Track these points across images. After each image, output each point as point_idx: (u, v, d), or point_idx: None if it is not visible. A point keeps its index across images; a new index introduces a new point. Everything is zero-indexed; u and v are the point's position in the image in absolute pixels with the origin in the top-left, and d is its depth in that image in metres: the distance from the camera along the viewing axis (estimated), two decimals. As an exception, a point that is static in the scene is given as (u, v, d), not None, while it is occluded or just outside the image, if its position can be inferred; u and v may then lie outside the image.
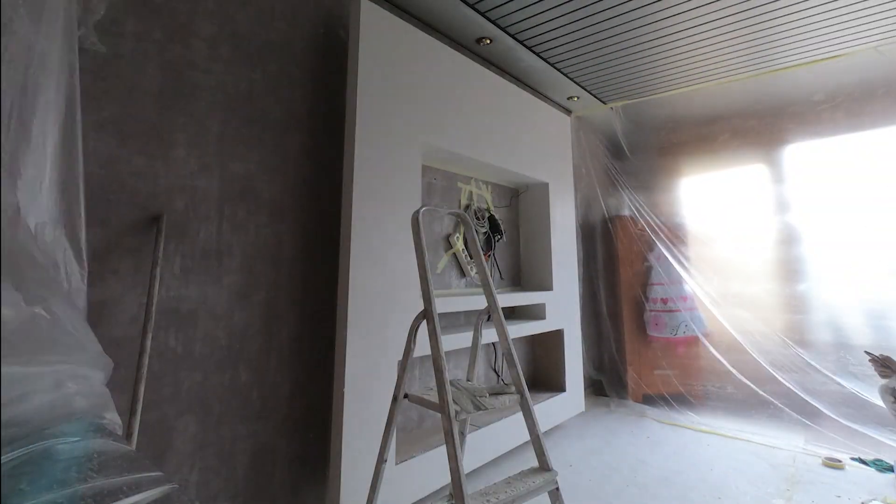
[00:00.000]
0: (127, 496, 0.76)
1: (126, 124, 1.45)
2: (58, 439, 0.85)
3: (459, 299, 2.44)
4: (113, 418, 1.01)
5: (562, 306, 3.18)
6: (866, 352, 2.54)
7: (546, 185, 3.19)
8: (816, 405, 2.85)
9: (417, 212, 1.59)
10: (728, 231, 3.57)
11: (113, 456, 0.88)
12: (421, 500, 2.03)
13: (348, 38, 2.01)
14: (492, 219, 2.99)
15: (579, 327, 3.41)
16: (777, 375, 2.98)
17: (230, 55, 1.73)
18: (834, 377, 2.88)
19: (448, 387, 1.39)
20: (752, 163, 3.68)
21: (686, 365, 3.58)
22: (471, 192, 2.90)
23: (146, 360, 1.32)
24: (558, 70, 3.15)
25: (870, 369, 2.82)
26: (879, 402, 2.61)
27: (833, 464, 2.48)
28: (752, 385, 3.07)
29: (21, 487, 0.72)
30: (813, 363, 2.95)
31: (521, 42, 2.76)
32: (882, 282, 2.99)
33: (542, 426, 1.93)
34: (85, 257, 1.15)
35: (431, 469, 2.11)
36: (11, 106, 0.92)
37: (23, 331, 0.89)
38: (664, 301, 3.66)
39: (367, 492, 1.62)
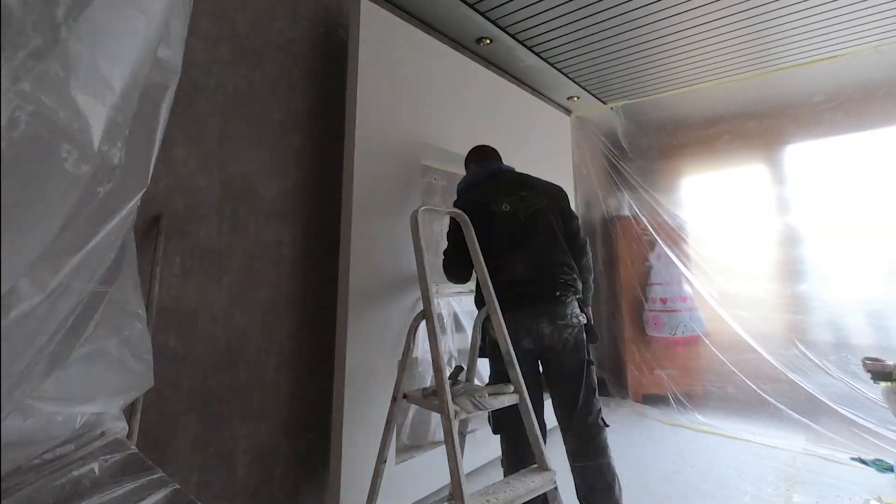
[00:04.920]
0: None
1: (126, 124, 1.45)
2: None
3: (460, 298, 2.44)
4: (116, 424, 1.01)
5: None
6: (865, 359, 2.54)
7: (546, 185, 3.19)
8: (817, 405, 2.85)
9: (416, 211, 1.60)
10: (729, 231, 3.57)
11: (116, 458, 0.88)
12: (421, 500, 2.03)
13: (348, 37, 2.01)
14: None
15: (579, 327, 3.40)
16: (780, 373, 2.97)
17: (230, 55, 1.73)
18: (835, 376, 2.88)
19: (448, 387, 1.40)
20: (752, 163, 3.68)
21: (686, 365, 3.57)
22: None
23: (146, 360, 1.32)
24: (558, 70, 3.15)
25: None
26: (880, 403, 2.61)
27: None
28: (752, 385, 3.07)
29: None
30: (816, 361, 2.94)
31: (521, 42, 2.76)
32: (882, 282, 2.98)
33: (542, 426, 1.95)
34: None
35: (431, 469, 2.11)
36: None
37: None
38: (663, 301, 3.66)
39: (367, 492, 1.62)
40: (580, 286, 1.85)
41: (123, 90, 0.65)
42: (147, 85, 0.77)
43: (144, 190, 0.81)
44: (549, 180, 2.07)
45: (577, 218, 1.97)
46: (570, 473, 1.70)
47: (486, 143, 2.53)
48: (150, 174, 0.84)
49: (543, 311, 1.72)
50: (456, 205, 1.92)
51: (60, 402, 0.85)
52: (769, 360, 3.03)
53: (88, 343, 0.89)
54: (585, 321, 1.79)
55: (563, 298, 1.74)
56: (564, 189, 2.04)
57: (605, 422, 1.74)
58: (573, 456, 1.71)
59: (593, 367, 1.78)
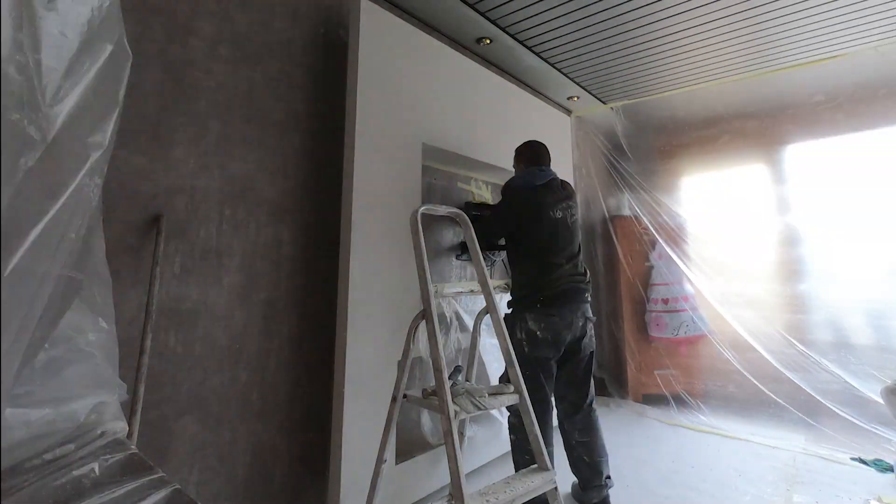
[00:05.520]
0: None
1: (126, 124, 1.45)
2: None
3: (461, 298, 2.44)
4: (116, 423, 1.01)
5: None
6: None
7: (546, 185, 3.19)
8: (818, 405, 2.85)
9: (416, 211, 1.60)
10: (729, 231, 3.57)
11: (116, 458, 0.88)
12: (421, 500, 2.03)
13: (348, 38, 2.01)
14: None
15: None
16: (783, 373, 2.98)
17: (230, 55, 1.73)
18: (836, 375, 2.88)
19: (448, 387, 1.40)
20: (752, 163, 3.68)
21: (686, 365, 3.57)
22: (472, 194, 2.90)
23: (146, 360, 1.32)
24: (558, 70, 3.15)
25: (871, 368, 2.82)
26: (880, 402, 2.61)
27: None
28: (756, 383, 3.07)
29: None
30: (817, 359, 2.94)
31: (521, 42, 2.76)
32: (882, 282, 2.98)
33: (542, 426, 1.96)
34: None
35: (431, 469, 2.11)
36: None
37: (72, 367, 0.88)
38: (665, 301, 3.65)
39: (367, 492, 1.62)
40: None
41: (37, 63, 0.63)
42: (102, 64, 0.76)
43: (87, 166, 0.78)
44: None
45: None
46: (571, 473, 1.73)
47: (486, 143, 2.53)
48: (103, 152, 0.82)
49: (578, 308, 2.00)
50: (509, 198, 2.11)
51: (48, 405, 0.84)
52: (769, 359, 3.03)
53: (60, 341, 0.88)
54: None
55: (588, 298, 2.06)
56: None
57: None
58: (579, 432, 2.02)
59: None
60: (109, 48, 0.78)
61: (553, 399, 2.03)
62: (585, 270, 2.10)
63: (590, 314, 2.04)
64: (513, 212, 2.05)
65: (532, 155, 2.22)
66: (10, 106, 0.62)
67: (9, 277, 0.61)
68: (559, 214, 2.03)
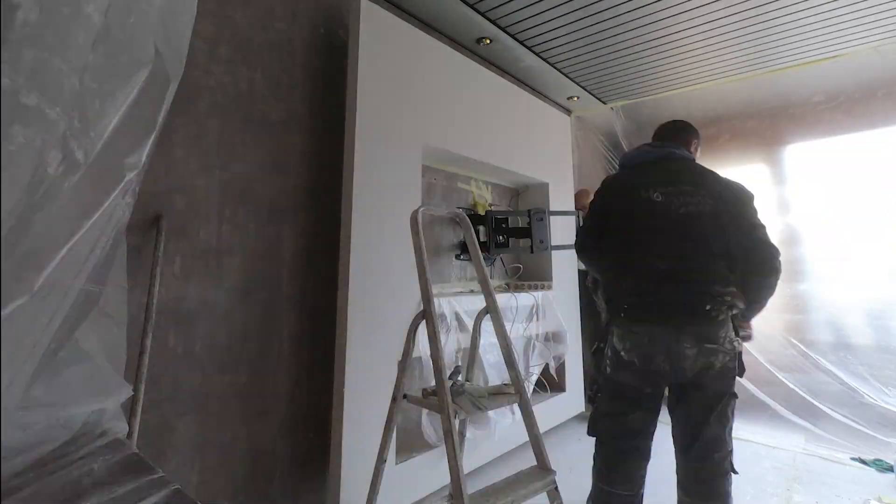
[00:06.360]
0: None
1: (126, 124, 1.45)
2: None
3: (461, 298, 2.44)
4: (116, 424, 1.01)
5: (561, 305, 3.18)
6: None
7: (546, 186, 3.19)
8: (818, 405, 2.85)
9: (416, 211, 1.60)
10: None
11: (116, 458, 0.88)
12: (421, 500, 2.03)
13: (348, 38, 2.01)
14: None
15: (579, 327, 3.40)
16: (779, 373, 2.98)
17: (230, 55, 1.73)
18: (837, 375, 2.88)
19: (448, 387, 1.40)
20: (752, 163, 3.68)
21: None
22: (474, 194, 2.90)
23: (146, 360, 1.32)
24: (558, 70, 3.15)
25: (871, 370, 2.82)
26: (880, 402, 2.61)
27: None
28: (753, 386, 3.07)
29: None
30: (816, 360, 2.94)
31: (521, 42, 2.76)
32: (882, 282, 2.98)
33: (542, 426, 1.93)
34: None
35: (431, 469, 2.11)
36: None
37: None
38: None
39: (367, 492, 1.62)
40: (740, 303, 1.53)
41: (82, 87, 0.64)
42: (140, 86, 0.76)
43: (120, 186, 0.77)
44: (730, 179, 1.71)
45: (760, 228, 1.67)
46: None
47: (486, 143, 2.51)
48: (138, 172, 0.82)
49: (684, 330, 1.45)
50: (597, 192, 1.77)
51: (49, 409, 0.84)
52: (769, 359, 3.03)
53: (69, 345, 0.88)
54: (741, 347, 1.54)
55: (714, 316, 1.45)
56: (745, 192, 1.69)
57: (733, 467, 1.54)
58: (684, 491, 1.58)
59: (735, 402, 1.57)
60: (149, 69, 0.77)
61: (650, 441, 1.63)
62: (715, 279, 1.50)
63: (711, 341, 1.46)
64: (598, 203, 1.69)
65: (653, 135, 1.85)
66: (66, 132, 0.62)
67: (38, 291, 0.62)
68: (658, 198, 1.55)
